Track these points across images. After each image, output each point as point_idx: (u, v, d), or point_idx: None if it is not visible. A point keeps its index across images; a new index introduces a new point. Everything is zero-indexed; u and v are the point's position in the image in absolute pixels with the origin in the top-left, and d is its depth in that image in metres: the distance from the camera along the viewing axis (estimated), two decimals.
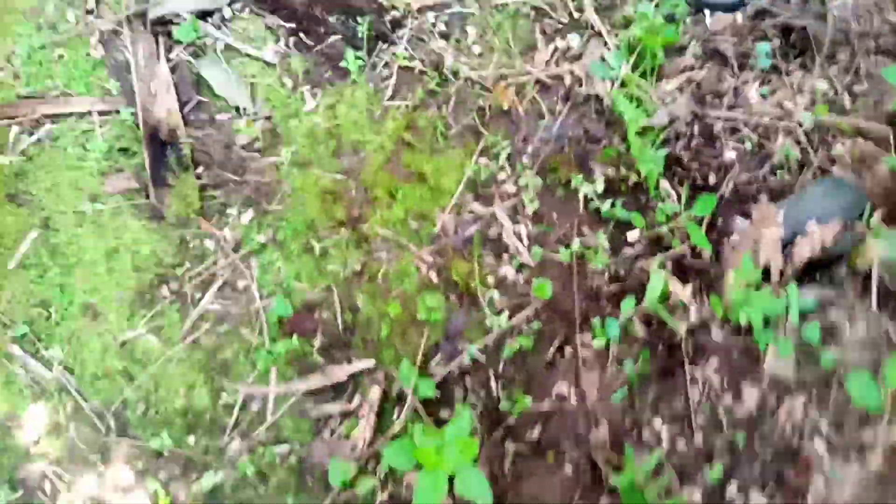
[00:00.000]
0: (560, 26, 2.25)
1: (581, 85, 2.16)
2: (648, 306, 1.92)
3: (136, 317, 1.92)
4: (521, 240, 2.05)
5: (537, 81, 2.17)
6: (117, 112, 2.10)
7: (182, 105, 2.12)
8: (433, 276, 2.02)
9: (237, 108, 2.14)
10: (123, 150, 2.07)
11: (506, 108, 2.15)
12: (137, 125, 2.08)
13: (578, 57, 2.20)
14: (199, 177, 2.05)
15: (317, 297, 1.98)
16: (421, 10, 2.27)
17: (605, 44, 2.20)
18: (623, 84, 2.12)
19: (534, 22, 2.26)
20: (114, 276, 1.94)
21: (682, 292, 1.95)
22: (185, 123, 2.10)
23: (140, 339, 1.90)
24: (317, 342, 1.94)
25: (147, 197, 2.01)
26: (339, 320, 1.97)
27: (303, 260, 2.02)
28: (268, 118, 2.14)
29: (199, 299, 1.96)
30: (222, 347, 1.92)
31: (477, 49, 2.23)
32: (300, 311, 1.96)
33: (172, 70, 2.16)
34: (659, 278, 1.93)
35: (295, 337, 1.93)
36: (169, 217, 1.99)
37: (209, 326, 1.93)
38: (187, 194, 2.00)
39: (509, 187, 2.09)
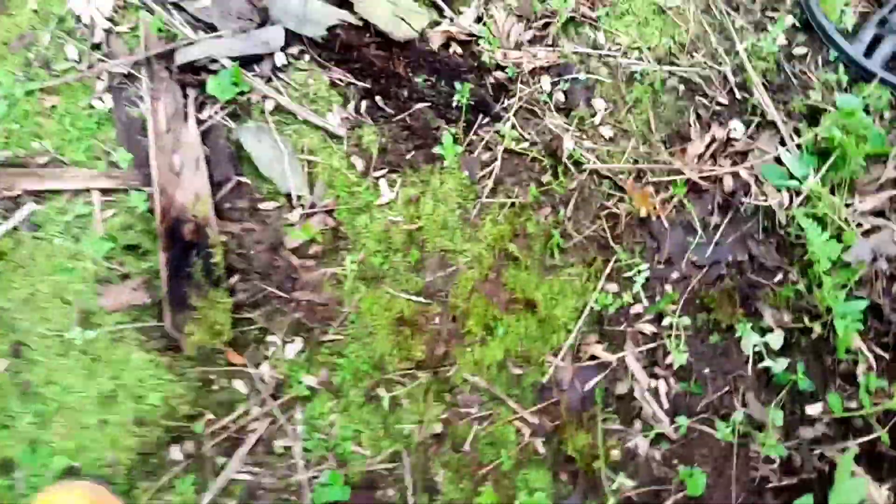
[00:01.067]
0: (718, 108, 1.76)
1: (747, 193, 1.67)
2: None
3: (136, 490, 1.43)
4: (659, 402, 1.56)
5: (688, 182, 1.68)
6: (125, 192, 1.61)
7: (215, 188, 1.63)
8: (538, 445, 1.54)
9: (288, 197, 1.64)
10: (131, 249, 1.57)
11: (644, 214, 1.66)
12: (152, 213, 1.58)
13: (744, 155, 1.71)
14: (231, 291, 1.56)
15: (380, 469, 1.49)
16: (534, 73, 1.78)
17: (781, 140, 1.71)
18: (807, 199, 1.63)
19: (683, 100, 1.77)
20: (107, 432, 1.45)
21: (878, 495, 1.46)
22: (219, 215, 1.61)
23: None
24: None
25: (159, 319, 1.52)
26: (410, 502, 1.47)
27: (365, 414, 1.53)
28: (329, 212, 1.64)
29: (223, 466, 1.46)
30: None
31: (607, 131, 1.74)
32: (357, 488, 1.47)
33: (204, 137, 1.67)
34: (847, 473, 1.45)
35: None
36: (188, 349, 1.50)
37: None
38: (215, 318, 1.50)
39: (646, 327, 1.60)
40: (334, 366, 1.54)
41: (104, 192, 1.62)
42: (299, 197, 1.65)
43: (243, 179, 1.66)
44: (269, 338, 1.56)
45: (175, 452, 1.46)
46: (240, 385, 1.52)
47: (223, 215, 1.63)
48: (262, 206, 1.65)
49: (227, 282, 1.57)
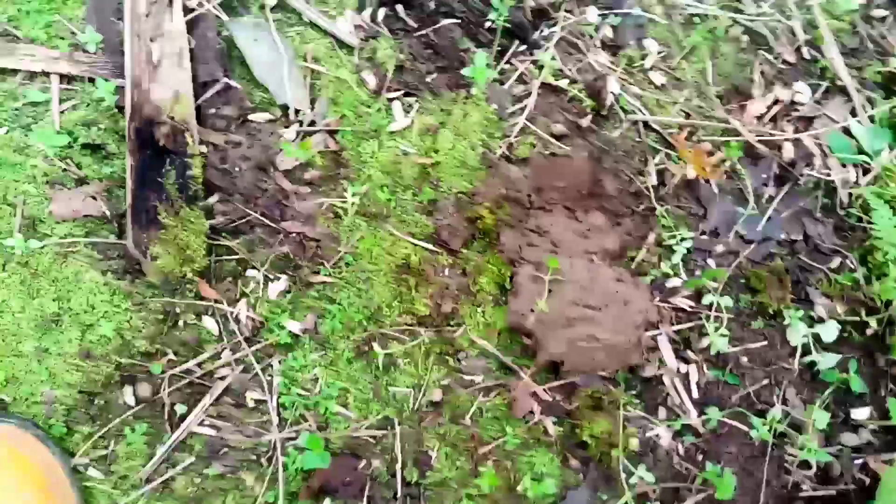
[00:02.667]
0: (784, 67, 1.61)
1: (808, 165, 1.53)
2: None
3: (75, 435, 1.25)
4: (688, 390, 1.43)
5: (744, 145, 1.53)
6: (90, 82, 1.40)
7: (199, 89, 1.43)
8: (549, 425, 1.40)
9: (284, 109, 1.45)
10: (91, 149, 1.37)
11: (691, 176, 1.51)
12: (121, 110, 1.38)
13: (809, 121, 1.57)
14: (209, 212, 1.37)
15: (367, 437, 1.34)
16: (582, 1, 1.59)
17: (852, 109, 1.57)
18: (877, 179, 1.50)
19: (745, 53, 1.61)
20: (46, 363, 1.26)
21: None
22: (201, 121, 1.40)
23: (77, 474, 1.23)
24: None
25: (119, 236, 1.33)
26: (398, 480, 1.33)
27: (354, 371, 1.37)
28: (331, 133, 1.45)
29: (183, 416, 1.29)
30: (208, 500, 1.27)
31: (657, 77, 1.58)
32: (339, 456, 1.32)
33: (190, 27, 1.46)
34: (892, 489, 1.35)
35: (326, 500, 1.29)
36: (151, 275, 1.31)
37: (192, 462, 1.28)
38: (189, 241, 1.31)
39: (682, 302, 1.47)
40: (323, 312, 1.38)
41: (64, 78, 1.41)
42: (297, 111, 1.46)
43: (233, 83, 1.46)
44: (250, 272, 1.38)
45: (126, 395, 1.29)
46: (210, 323, 1.34)
47: (205, 122, 1.43)
48: (252, 116, 1.46)
49: (205, 201, 1.38)
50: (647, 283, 1.46)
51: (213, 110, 1.45)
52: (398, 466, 1.35)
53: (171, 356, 1.32)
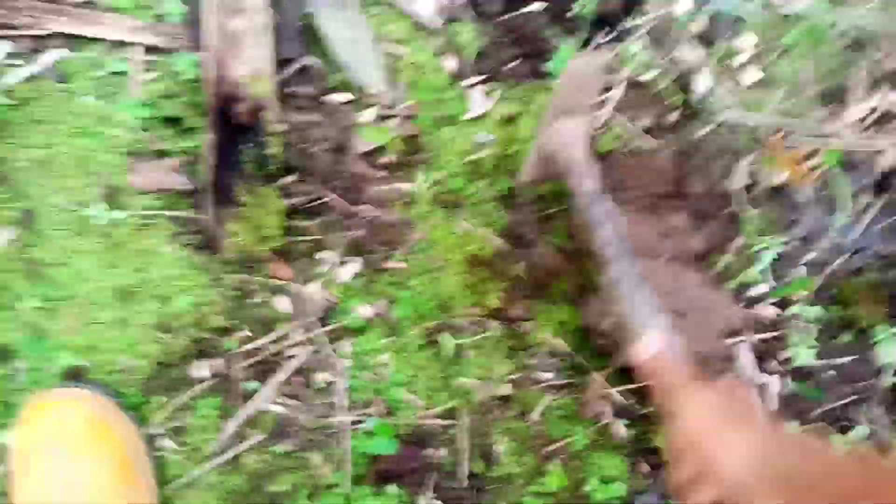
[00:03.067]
0: (887, 71, 1.52)
1: None
2: None
3: (149, 405, 1.28)
4: (768, 403, 1.38)
5: (842, 150, 1.46)
6: (172, 54, 1.40)
7: (279, 67, 1.42)
8: (621, 428, 1.37)
9: (362, 91, 1.44)
10: (172, 122, 1.39)
11: (782, 181, 1.45)
12: (201, 84, 1.38)
13: None
14: (285, 191, 1.37)
15: (433, 425, 1.33)
16: None
17: None
18: None
19: (848, 53, 1.53)
20: (124, 333, 1.29)
21: None
22: (279, 99, 1.40)
23: (150, 443, 1.26)
24: (422, 502, 1.30)
25: (197, 210, 1.34)
26: (465, 470, 1.32)
27: (423, 359, 1.37)
28: (409, 118, 1.44)
29: (253, 392, 1.31)
30: (275, 477, 1.29)
31: (751, 75, 1.51)
32: (405, 443, 1.32)
33: (273, 3, 1.45)
34: None
35: (392, 486, 1.29)
36: (228, 251, 1.32)
37: (261, 440, 1.29)
38: (263, 220, 1.32)
39: (768, 311, 1.42)
40: (394, 298, 1.38)
41: (147, 49, 1.42)
42: (376, 93, 1.45)
43: (311, 62, 1.45)
44: (323, 254, 1.38)
45: (201, 368, 1.31)
46: (283, 303, 1.35)
47: (284, 101, 1.43)
48: (330, 97, 1.45)
49: (283, 180, 1.38)
50: (730, 290, 1.41)
51: (292, 89, 1.44)
52: (464, 457, 1.34)
53: (246, 332, 1.34)
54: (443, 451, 1.35)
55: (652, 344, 1.01)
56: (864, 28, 1.57)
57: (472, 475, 1.34)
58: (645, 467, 1.36)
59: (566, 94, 1.27)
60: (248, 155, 1.37)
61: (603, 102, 1.48)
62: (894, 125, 1.50)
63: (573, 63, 1.31)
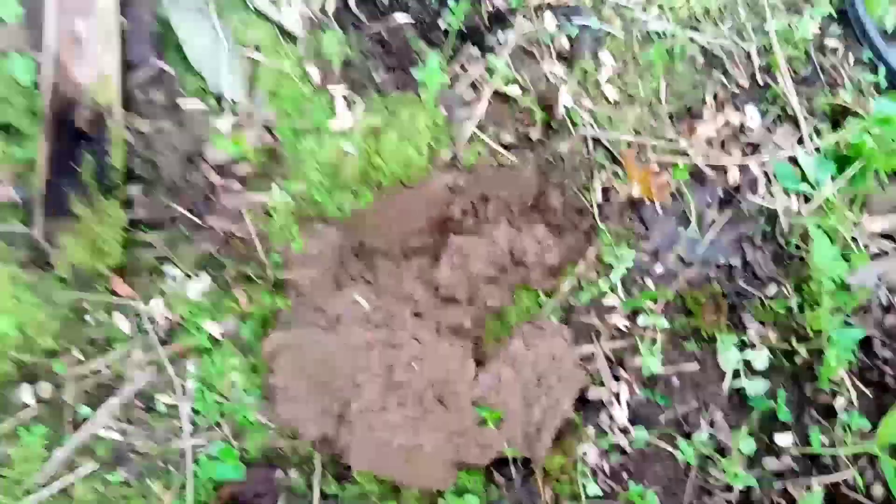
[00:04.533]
0: (736, 90, 1.63)
1: (754, 190, 1.55)
2: None
3: None
4: (618, 408, 1.44)
5: (691, 167, 1.55)
6: (6, 55, 1.32)
7: (127, 71, 1.36)
8: None
9: (219, 99, 1.40)
10: (4, 130, 1.30)
11: (637, 195, 1.52)
12: (39, 88, 1.30)
13: (757, 147, 1.59)
14: (128, 203, 1.31)
15: (284, 446, 1.30)
16: (539, 9, 1.58)
17: (801, 138, 1.60)
18: (818, 209, 1.53)
19: (700, 73, 1.62)
20: None
21: None
22: (127, 106, 1.35)
23: None
24: None
25: (29, 225, 1.26)
26: (316, 492, 1.30)
27: None
28: (268, 127, 1.41)
29: (87, 418, 1.23)
30: None
31: (611, 92, 1.58)
32: (253, 467, 1.28)
33: (123, 4, 1.40)
34: None
35: None
36: (60, 268, 1.25)
37: (94, 469, 1.22)
38: (103, 234, 1.26)
39: (618, 321, 1.47)
40: (245, 316, 1.33)
41: None
42: (234, 102, 1.41)
43: (165, 67, 1.40)
44: (169, 269, 1.33)
45: (25, 394, 1.23)
46: (122, 322, 1.29)
47: (132, 107, 1.38)
48: (184, 104, 1.40)
49: (125, 191, 1.32)
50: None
51: (141, 95, 1.39)
52: (317, 477, 1.32)
53: (78, 354, 1.26)
54: (294, 474, 1.32)
55: None
56: (716, 51, 1.67)
57: (324, 496, 1.32)
58: (499, 478, 1.38)
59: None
60: (87, 165, 1.30)
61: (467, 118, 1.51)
62: (739, 144, 1.61)
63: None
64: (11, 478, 1.20)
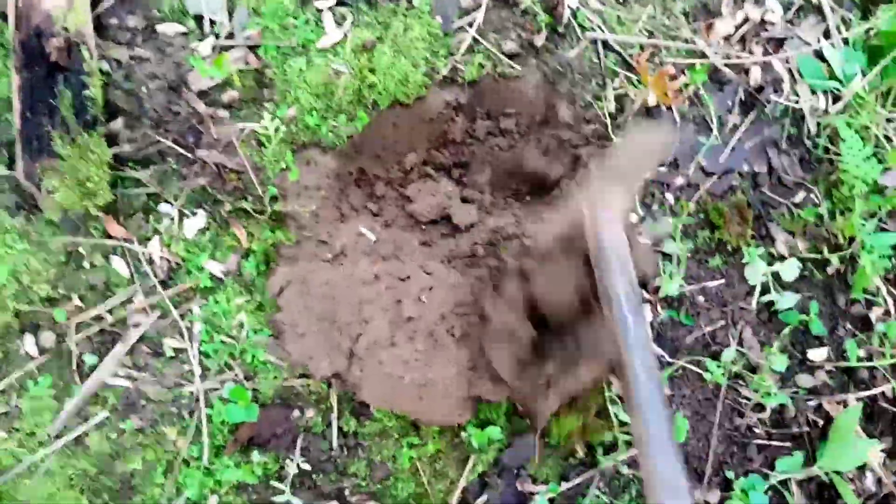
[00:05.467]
0: None
1: (778, 90, 1.48)
2: (821, 470, 1.39)
3: None
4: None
5: (710, 68, 1.47)
6: None
7: None
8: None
9: (199, 20, 1.32)
10: None
11: (652, 103, 1.45)
12: (5, 19, 1.23)
13: (780, 43, 1.50)
14: (112, 138, 1.26)
15: (298, 385, 1.29)
16: None
17: (827, 30, 1.51)
18: (847, 107, 1.46)
19: None
20: None
21: (872, 453, 1.42)
22: (100, 33, 1.27)
23: None
24: (290, 467, 1.27)
25: (9, 166, 1.21)
26: (334, 430, 1.30)
27: None
28: (253, 49, 1.34)
29: (94, 366, 1.23)
30: (125, 456, 1.22)
31: None
32: (269, 406, 1.28)
33: None
34: (847, 431, 1.39)
35: (255, 453, 1.25)
36: (49, 211, 1.21)
37: (106, 417, 1.22)
38: (89, 172, 1.21)
39: (640, 238, 1.43)
40: (246, 252, 1.30)
41: None
42: (213, 23, 1.34)
43: None
44: (163, 207, 1.29)
45: (28, 344, 1.21)
46: (119, 265, 1.26)
47: (106, 34, 1.30)
48: (161, 28, 1.32)
49: (107, 126, 1.27)
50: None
51: (114, 20, 1.31)
52: (333, 416, 1.32)
53: (77, 301, 1.24)
54: (310, 412, 1.31)
55: None
56: None
57: (344, 434, 1.32)
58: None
59: (623, 160, 1.17)
60: (64, 99, 1.24)
61: (471, 25, 1.43)
62: (760, 40, 1.53)
63: (639, 134, 1.26)
64: (24, 430, 1.20)
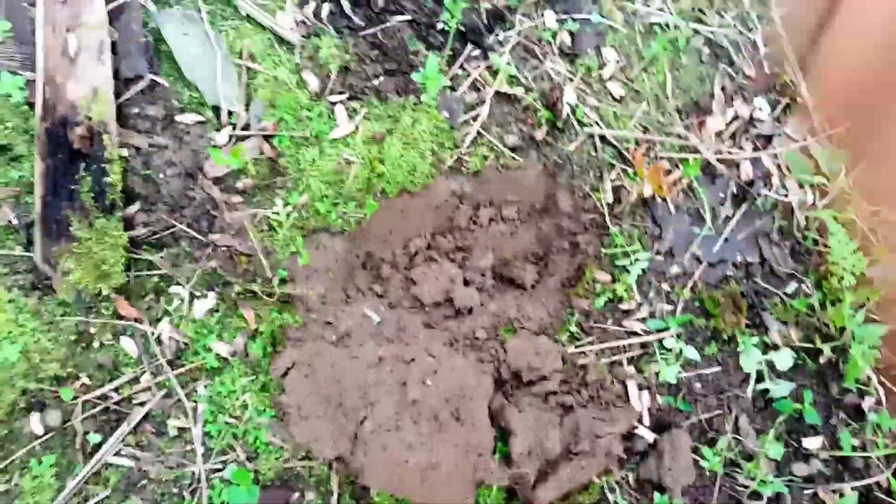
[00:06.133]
0: (744, 82, 1.64)
1: (767, 184, 1.57)
2: None
3: None
4: (640, 417, 1.45)
5: (702, 163, 1.56)
6: None
7: (121, 86, 1.37)
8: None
9: (216, 111, 1.41)
10: (0, 151, 1.30)
11: (648, 194, 1.53)
12: (32, 107, 1.31)
13: (768, 139, 1.60)
14: (128, 222, 1.32)
15: (300, 467, 1.31)
16: (538, 6, 1.59)
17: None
18: (834, 201, 1.54)
19: (706, 65, 1.63)
20: None
21: None
22: (122, 122, 1.35)
23: None
24: None
25: (27, 248, 1.26)
26: None
27: None
28: (267, 138, 1.42)
29: (98, 445, 1.25)
30: None
31: (616, 88, 1.59)
32: (269, 489, 1.29)
33: (113, 18, 1.40)
34: None
35: None
36: (63, 292, 1.26)
37: (106, 496, 1.23)
38: (103, 255, 1.26)
39: (635, 325, 1.48)
40: (253, 333, 1.35)
41: None
42: (230, 113, 1.42)
43: (159, 80, 1.41)
44: (174, 289, 1.34)
45: (33, 423, 1.23)
46: (128, 345, 1.30)
47: (127, 123, 1.38)
48: (180, 118, 1.41)
49: (124, 210, 1.33)
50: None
51: (136, 110, 1.39)
52: (334, 499, 1.33)
53: (85, 380, 1.27)
54: (311, 495, 1.33)
55: None
56: (720, 41, 1.68)
57: None
58: None
59: None
60: (84, 184, 1.30)
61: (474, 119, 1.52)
62: (749, 136, 1.62)
63: None
64: None
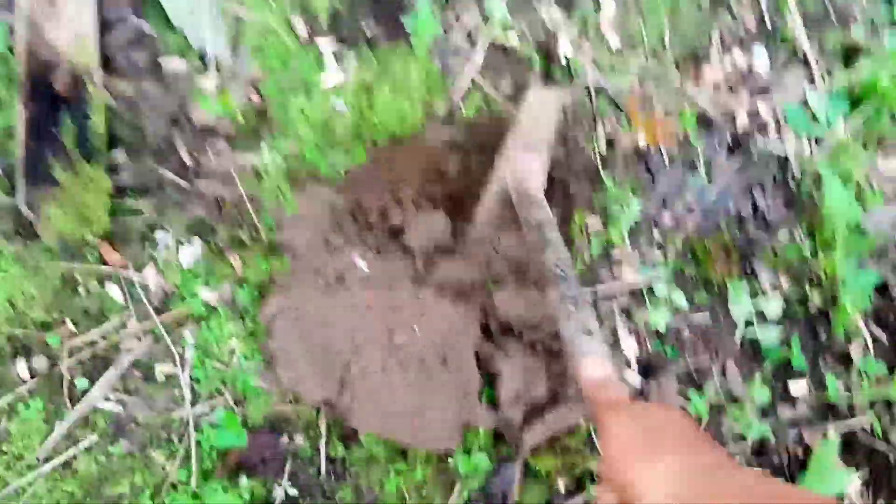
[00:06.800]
0: (743, 33, 1.61)
1: (763, 134, 1.55)
2: None
3: None
4: (627, 363, 1.46)
5: (698, 113, 1.54)
6: None
7: (105, 31, 1.35)
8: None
9: (203, 57, 1.39)
10: None
11: (643, 144, 1.51)
12: (13, 52, 1.30)
13: (766, 90, 1.58)
14: (113, 168, 1.31)
15: (288, 411, 1.32)
16: None
17: (811, 78, 1.58)
18: (830, 152, 1.52)
19: (705, 14, 1.60)
20: None
21: (850, 484, 1.45)
22: (107, 67, 1.34)
23: None
24: (278, 492, 1.29)
25: (11, 194, 1.26)
26: (322, 456, 1.32)
27: None
28: (255, 85, 1.40)
29: (85, 391, 1.26)
30: (113, 479, 1.24)
31: (613, 39, 1.56)
32: (258, 432, 1.30)
33: None
34: (827, 462, 1.42)
35: (243, 478, 1.28)
36: (47, 237, 1.25)
37: (96, 441, 1.25)
38: (88, 200, 1.26)
39: (627, 273, 1.48)
40: (241, 280, 1.35)
41: None
42: (217, 60, 1.40)
43: (145, 26, 1.39)
44: (159, 235, 1.33)
45: (20, 368, 1.24)
46: (115, 291, 1.30)
47: (112, 69, 1.36)
48: (166, 63, 1.39)
49: (108, 156, 1.32)
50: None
51: (120, 55, 1.37)
52: (322, 440, 1.34)
53: (71, 326, 1.28)
54: (299, 438, 1.34)
55: (591, 368, 1.03)
56: None
57: (331, 459, 1.35)
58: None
59: (524, 128, 1.30)
60: (68, 130, 1.30)
61: (467, 73, 1.50)
62: (748, 87, 1.60)
63: (531, 97, 1.34)
64: (12, 453, 1.22)
